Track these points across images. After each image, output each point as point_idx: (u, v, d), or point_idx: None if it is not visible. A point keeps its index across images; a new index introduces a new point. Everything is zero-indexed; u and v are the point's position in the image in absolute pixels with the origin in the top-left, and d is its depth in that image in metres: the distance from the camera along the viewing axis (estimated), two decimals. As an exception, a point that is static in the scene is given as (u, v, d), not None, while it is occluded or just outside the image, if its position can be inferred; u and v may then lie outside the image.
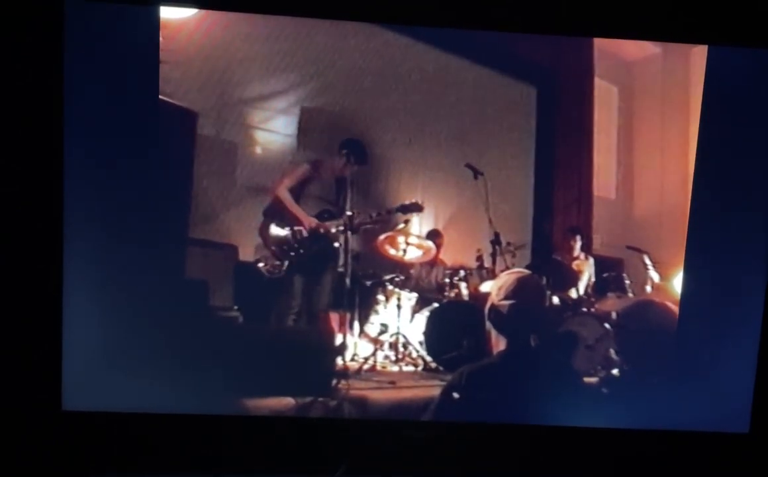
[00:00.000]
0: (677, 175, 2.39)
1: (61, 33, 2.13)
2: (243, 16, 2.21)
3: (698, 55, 2.33)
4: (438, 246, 2.49)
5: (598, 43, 2.36)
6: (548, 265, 2.48)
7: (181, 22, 2.19)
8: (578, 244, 2.49)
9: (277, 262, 2.39)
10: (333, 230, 2.41)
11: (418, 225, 2.45)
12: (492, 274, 2.46)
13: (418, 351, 2.50)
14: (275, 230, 2.37)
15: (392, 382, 2.46)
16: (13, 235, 2.23)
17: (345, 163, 2.35)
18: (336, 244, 2.42)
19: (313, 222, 2.40)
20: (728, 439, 2.50)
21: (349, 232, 2.41)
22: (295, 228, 2.39)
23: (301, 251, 2.40)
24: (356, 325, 2.46)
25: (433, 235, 2.48)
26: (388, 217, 2.41)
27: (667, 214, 2.43)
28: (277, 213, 2.36)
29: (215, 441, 2.42)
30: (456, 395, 2.40)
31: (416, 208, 2.40)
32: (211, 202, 2.28)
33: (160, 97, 2.20)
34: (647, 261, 2.46)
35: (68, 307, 2.25)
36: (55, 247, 2.22)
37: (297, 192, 2.37)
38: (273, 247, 2.37)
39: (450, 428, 2.46)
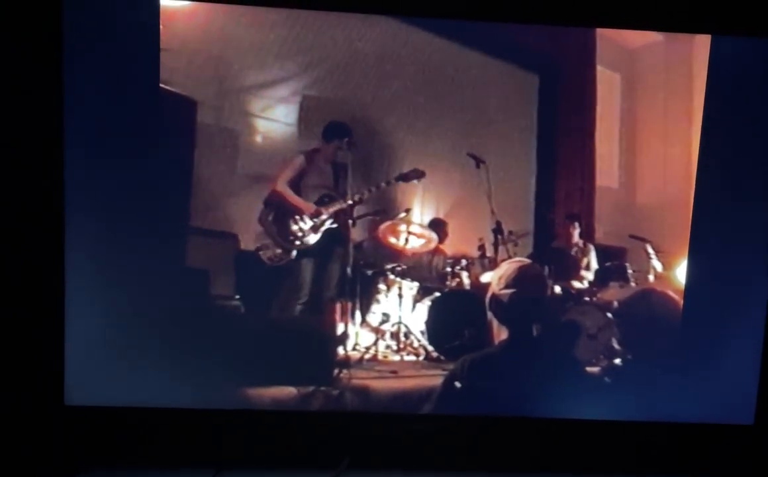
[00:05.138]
0: (680, 164, 2.38)
1: (60, 20, 2.13)
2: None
3: (701, 42, 2.31)
4: (443, 235, 2.48)
5: (600, 31, 2.35)
6: (550, 253, 2.47)
7: (182, 9, 2.19)
8: (577, 232, 2.48)
9: (279, 251, 2.39)
10: (330, 216, 2.41)
11: (420, 214, 2.45)
12: (494, 264, 2.45)
13: (419, 340, 2.50)
14: (278, 221, 2.37)
15: (394, 372, 2.46)
16: (13, 228, 2.23)
17: (335, 148, 2.35)
18: (337, 233, 2.42)
19: (312, 207, 2.40)
20: (732, 431, 2.48)
21: (350, 221, 2.41)
22: (297, 217, 2.39)
23: (305, 240, 2.40)
24: (357, 314, 2.46)
25: (437, 225, 2.48)
26: (391, 196, 2.40)
27: (670, 203, 2.42)
28: (277, 203, 2.36)
29: (217, 434, 2.41)
30: (458, 385, 2.40)
31: (417, 174, 2.38)
32: (211, 191, 2.28)
33: (160, 85, 2.20)
34: (650, 250, 2.44)
35: (70, 301, 2.25)
36: (56, 240, 2.22)
37: (296, 183, 2.37)
38: (276, 238, 2.37)
39: (452, 420, 2.45)
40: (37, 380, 2.29)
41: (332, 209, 2.41)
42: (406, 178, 2.37)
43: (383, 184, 2.38)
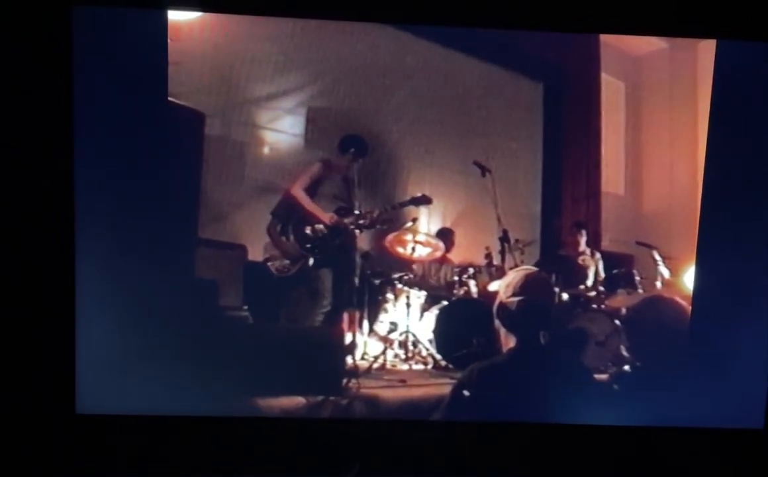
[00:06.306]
0: (686, 170, 2.38)
1: (70, 36, 2.15)
2: (250, 16, 2.23)
3: (705, 48, 2.32)
4: (450, 244, 2.49)
5: (605, 38, 2.36)
6: (557, 261, 2.47)
7: (190, 23, 2.21)
8: (583, 239, 2.48)
9: (287, 262, 2.40)
10: (349, 223, 2.42)
11: (427, 223, 2.45)
12: (501, 272, 2.46)
13: (427, 349, 2.50)
14: (288, 229, 2.38)
15: (402, 381, 2.47)
16: (24, 240, 2.25)
17: (350, 160, 2.36)
18: (346, 243, 2.43)
19: (333, 217, 2.42)
20: (742, 435, 2.47)
21: (357, 231, 2.42)
22: (316, 226, 2.40)
23: (322, 248, 2.42)
24: (366, 323, 2.47)
25: (444, 234, 2.49)
26: (400, 210, 2.42)
27: (677, 209, 2.42)
28: (287, 213, 2.37)
29: (227, 442, 2.42)
30: (466, 393, 2.39)
31: (425, 200, 2.40)
32: (219, 203, 2.30)
33: (169, 98, 2.21)
34: (657, 257, 2.44)
35: (81, 311, 2.27)
36: (67, 251, 2.24)
37: (312, 191, 2.39)
38: (284, 249, 2.38)
39: (461, 428, 2.45)
40: (48, 389, 2.31)
41: (347, 221, 2.42)
42: (416, 202, 2.40)
43: (397, 204, 2.40)
